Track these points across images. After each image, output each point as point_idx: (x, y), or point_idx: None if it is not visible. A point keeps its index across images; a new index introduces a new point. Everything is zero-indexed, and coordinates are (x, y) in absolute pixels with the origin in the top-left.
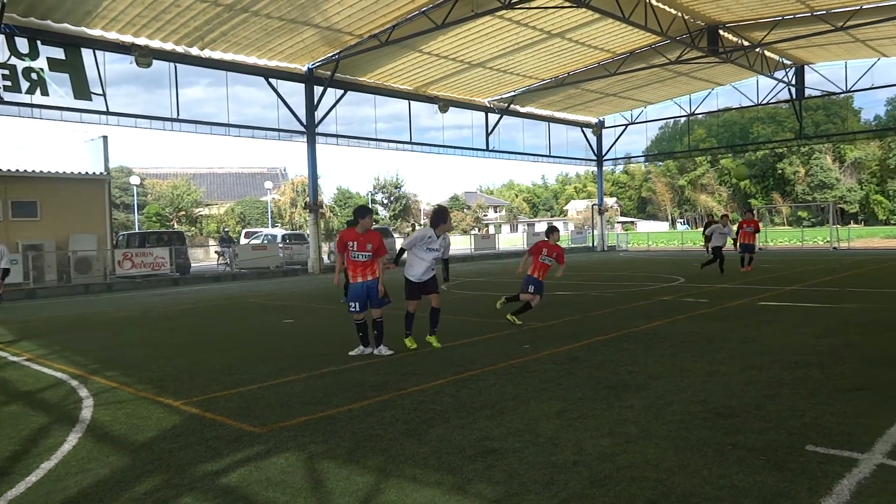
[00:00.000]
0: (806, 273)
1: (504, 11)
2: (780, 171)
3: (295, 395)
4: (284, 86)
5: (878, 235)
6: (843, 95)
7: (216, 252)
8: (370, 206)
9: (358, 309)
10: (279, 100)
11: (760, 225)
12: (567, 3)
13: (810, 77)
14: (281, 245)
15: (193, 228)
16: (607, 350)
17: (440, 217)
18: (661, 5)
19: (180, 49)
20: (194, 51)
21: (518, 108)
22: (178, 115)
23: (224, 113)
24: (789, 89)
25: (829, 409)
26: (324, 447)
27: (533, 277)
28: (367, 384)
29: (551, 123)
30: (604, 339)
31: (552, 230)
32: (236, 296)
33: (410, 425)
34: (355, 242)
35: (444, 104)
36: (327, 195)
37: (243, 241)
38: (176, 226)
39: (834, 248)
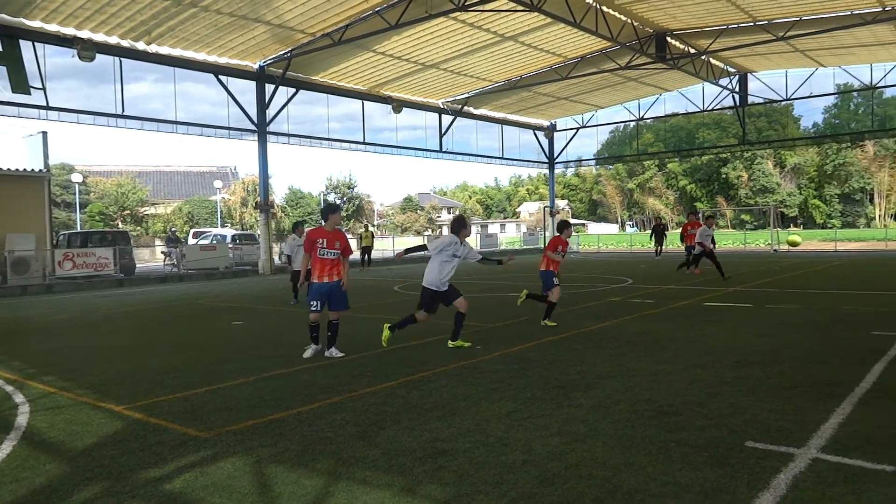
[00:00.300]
0: (748, 275)
1: (458, 13)
2: (724, 176)
3: (243, 399)
4: (235, 83)
5: (815, 238)
6: (783, 103)
7: (163, 252)
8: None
9: (318, 309)
10: (229, 97)
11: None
12: (519, 7)
13: (753, 85)
14: (230, 245)
15: (139, 228)
16: (557, 350)
17: (460, 224)
18: (611, 11)
19: (125, 43)
20: (140, 45)
21: (472, 109)
22: (123, 111)
23: (172, 109)
24: (733, 96)
25: (767, 406)
26: (272, 451)
27: (550, 272)
28: (318, 386)
29: (504, 125)
30: (554, 340)
31: (566, 225)
32: (183, 297)
33: (361, 427)
34: (325, 240)
35: (398, 105)
36: (279, 195)
37: (191, 241)
38: (120, 225)
39: (775, 250)
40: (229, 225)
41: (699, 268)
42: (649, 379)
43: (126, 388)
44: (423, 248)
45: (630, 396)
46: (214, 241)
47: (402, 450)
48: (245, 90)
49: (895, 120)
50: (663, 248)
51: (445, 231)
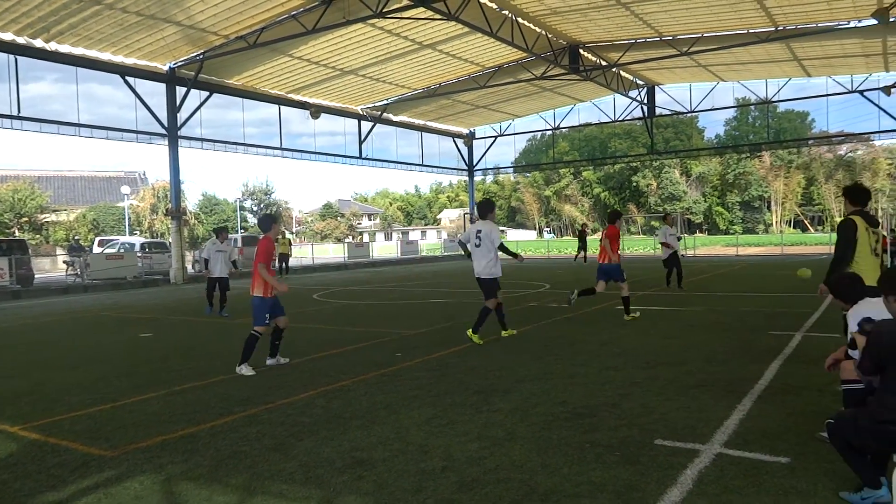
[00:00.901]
0: (657, 279)
1: (376, 20)
2: (635, 184)
3: (152, 414)
4: (144, 85)
5: (719, 244)
6: (688, 115)
7: (65, 262)
8: (240, 211)
9: (268, 322)
10: (137, 99)
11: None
12: (437, 16)
13: (660, 97)
14: (139, 254)
15: (38, 236)
16: (477, 356)
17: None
18: (526, 23)
19: (21, 40)
20: (38, 43)
21: (391, 116)
22: (19, 112)
23: (74, 111)
24: (642, 108)
25: (675, 405)
26: (183, 467)
27: (617, 265)
28: (233, 399)
29: (424, 133)
30: (474, 345)
31: (618, 215)
32: (88, 309)
33: (278, 440)
34: (275, 251)
35: (316, 110)
36: (192, 201)
37: (96, 249)
38: (17, 233)
39: (682, 255)
40: (138, 233)
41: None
42: (565, 381)
43: (22, 406)
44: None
45: (547, 399)
46: (122, 250)
47: (321, 461)
48: (155, 92)
49: (788, 132)
50: (586, 253)
51: (366, 238)
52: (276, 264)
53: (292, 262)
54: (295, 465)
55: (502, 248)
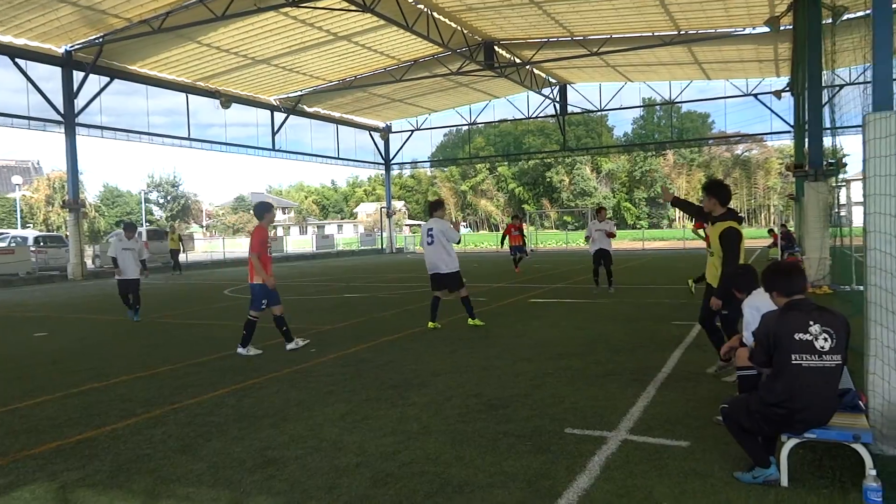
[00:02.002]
0: (569, 272)
1: (289, 9)
2: (548, 180)
3: (46, 418)
4: (37, 68)
5: (627, 238)
6: (598, 114)
7: None
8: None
9: (263, 307)
10: (29, 83)
11: (525, 227)
12: (352, 7)
13: (572, 95)
14: (33, 248)
15: None
16: (393, 350)
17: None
18: (442, 18)
19: None
20: None
21: (305, 108)
22: None
23: None
24: (554, 105)
25: (584, 394)
26: (80, 474)
27: None
28: (136, 400)
29: (340, 126)
30: (390, 340)
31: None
32: None
33: (184, 441)
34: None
35: (227, 100)
36: (92, 193)
37: None
38: None
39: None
40: (31, 226)
41: (518, 267)
42: (480, 374)
43: None
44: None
45: (462, 392)
46: (13, 244)
47: (230, 461)
48: (50, 76)
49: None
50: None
51: (280, 232)
52: (170, 259)
53: (201, 257)
54: (203, 467)
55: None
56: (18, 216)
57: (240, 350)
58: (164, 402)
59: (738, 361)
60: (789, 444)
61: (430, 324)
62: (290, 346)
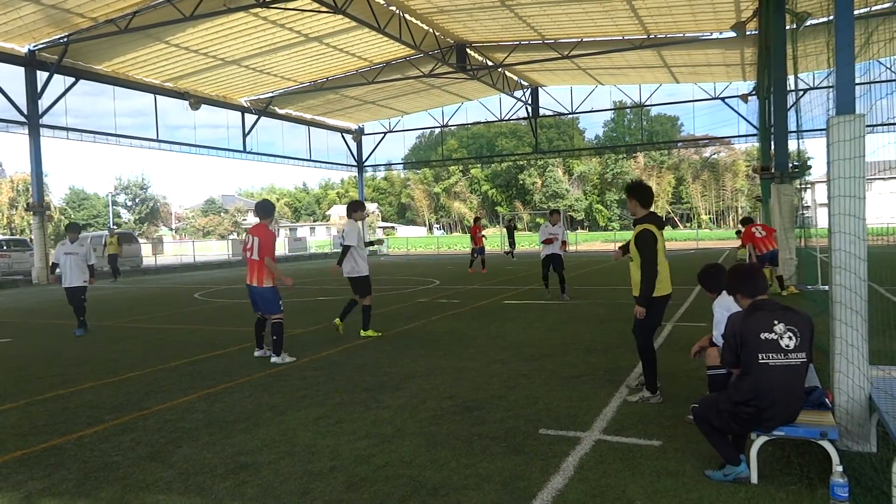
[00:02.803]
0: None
1: (259, 10)
2: (521, 182)
3: (9, 427)
4: None
5: (599, 239)
6: (569, 116)
7: None
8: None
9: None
10: None
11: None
12: (323, 8)
13: (543, 98)
14: None
15: None
16: (366, 353)
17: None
18: (413, 20)
19: None
20: None
21: (277, 109)
22: None
23: None
24: (526, 108)
25: (558, 395)
26: (45, 483)
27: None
28: (104, 406)
29: (312, 128)
30: (363, 343)
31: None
32: None
33: (154, 447)
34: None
35: (196, 101)
36: (57, 195)
37: None
38: None
39: (565, 251)
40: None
41: (485, 267)
42: (454, 376)
43: None
44: (348, 247)
45: (436, 394)
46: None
47: (202, 467)
48: (12, 76)
49: (660, 135)
50: (514, 247)
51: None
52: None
53: (169, 260)
54: (173, 474)
55: (367, 243)
56: None
57: (274, 359)
58: (133, 408)
59: (707, 361)
60: (758, 441)
61: (337, 321)
62: (275, 358)
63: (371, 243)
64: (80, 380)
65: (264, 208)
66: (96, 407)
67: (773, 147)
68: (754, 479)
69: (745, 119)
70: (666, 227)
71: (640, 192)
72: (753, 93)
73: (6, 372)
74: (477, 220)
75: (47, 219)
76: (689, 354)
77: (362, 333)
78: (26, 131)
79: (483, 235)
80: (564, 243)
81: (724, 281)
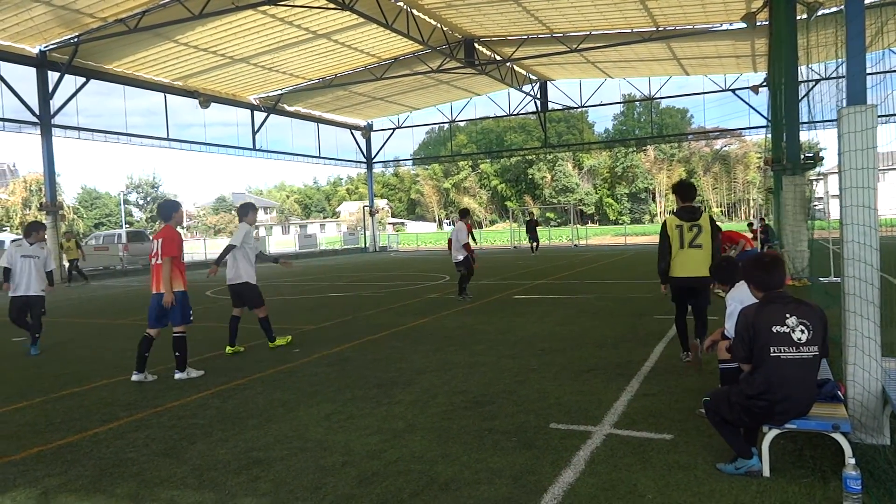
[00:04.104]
0: (552, 268)
1: (267, 7)
2: (530, 176)
3: (25, 424)
4: (11, 69)
5: (609, 234)
6: (579, 110)
7: None
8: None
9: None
10: (3, 84)
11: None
12: (331, 5)
13: (552, 92)
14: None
15: None
16: (377, 349)
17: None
18: (421, 15)
19: None
20: None
21: (286, 106)
22: None
23: None
24: (535, 102)
25: (569, 389)
26: (62, 479)
27: None
28: (118, 403)
29: (321, 124)
30: (374, 339)
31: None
32: None
33: (168, 444)
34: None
35: (206, 99)
36: (70, 195)
37: None
38: None
39: (575, 245)
40: (8, 229)
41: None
42: (465, 371)
43: None
44: (230, 247)
45: (447, 389)
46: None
47: (215, 463)
48: (24, 77)
49: (670, 128)
50: (538, 243)
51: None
52: (67, 270)
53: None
54: (187, 470)
55: (260, 255)
56: None
57: (178, 375)
58: (147, 405)
59: (719, 354)
60: (770, 434)
61: (229, 349)
62: (179, 374)
63: (276, 259)
64: (95, 377)
65: (162, 208)
66: (111, 404)
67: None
68: (766, 472)
69: (756, 110)
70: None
71: (675, 188)
72: (764, 84)
73: (23, 369)
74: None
75: (60, 218)
76: (702, 348)
77: (271, 346)
78: (38, 131)
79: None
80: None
81: (735, 274)
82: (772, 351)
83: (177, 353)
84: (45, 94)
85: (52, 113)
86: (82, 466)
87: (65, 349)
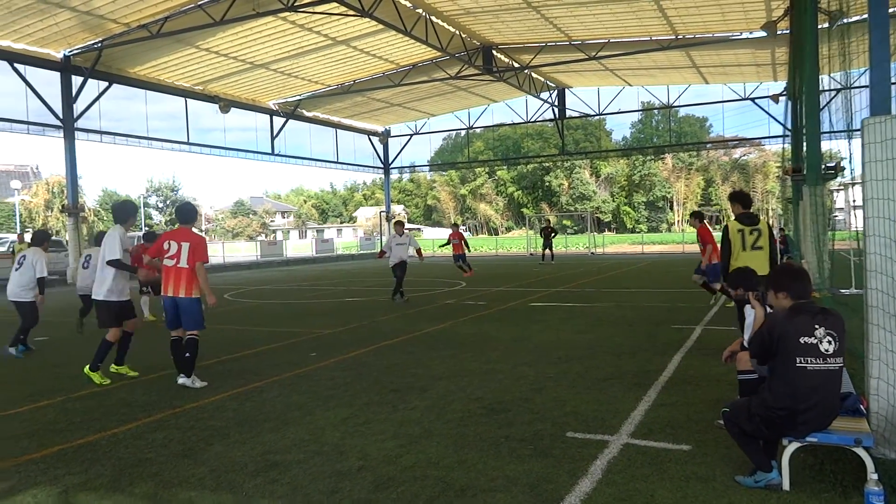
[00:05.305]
0: (569, 276)
1: (287, 14)
2: (547, 184)
3: (47, 423)
4: (36, 73)
5: (626, 242)
6: (596, 117)
7: None
8: (135, 205)
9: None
10: (28, 88)
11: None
12: (350, 12)
13: (570, 99)
14: None
15: None
16: (393, 354)
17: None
18: (440, 22)
19: None
20: None
21: (304, 112)
22: None
23: None
24: (553, 109)
25: (586, 398)
26: (82, 478)
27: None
28: (136, 404)
29: (339, 130)
30: (390, 344)
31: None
32: None
33: (186, 445)
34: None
35: (226, 104)
36: (91, 197)
37: None
38: None
39: (592, 253)
40: (30, 230)
41: (470, 270)
42: (480, 378)
43: None
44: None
45: (463, 396)
46: (11, 249)
47: (232, 465)
48: (49, 81)
49: (689, 136)
50: (552, 251)
51: (279, 236)
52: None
53: None
54: (205, 471)
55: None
56: (17, 221)
57: (182, 380)
58: (165, 406)
59: (738, 365)
60: (791, 447)
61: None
62: (184, 380)
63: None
64: (114, 378)
65: (188, 212)
66: (129, 405)
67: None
68: (786, 485)
69: (776, 119)
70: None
71: (737, 197)
72: (784, 93)
73: (44, 369)
74: (455, 225)
75: (81, 220)
76: (721, 359)
77: (114, 369)
78: (62, 134)
79: (460, 243)
80: (419, 251)
81: (750, 282)
82: (797, 361)
83: (187, 355)
84: (68, 98)
85: (75, 116)
86: (102, 466)
87: (85, 349)
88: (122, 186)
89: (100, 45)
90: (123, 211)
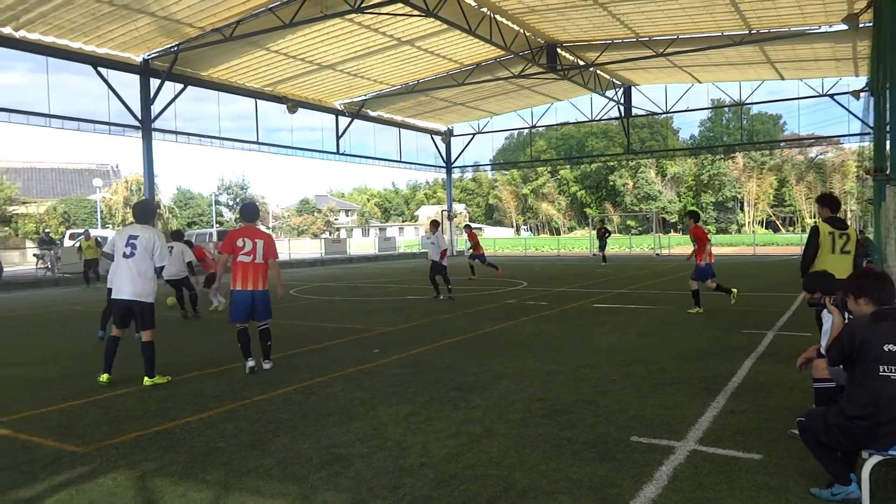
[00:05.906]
0: (633, 277)
1: (354, 15)
2: (611, 183)
3: (125, 410)
4: (117, 76)
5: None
6: (663, 116)
7: (34, 255)
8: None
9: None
10: (110, 91)
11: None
12: (415, 12)
13: (636, 97)
14: None
15: (7, 229)
16: (455, 353)
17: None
18: (505, 21)
19: None
20: (6, 31)
21: (369, 112)
22: None
23: (46, 102)
24: (618, 107)
25: (650, 402)
26: (158, 464)
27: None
28: (208, 395)
29: (402, 129)
30: (452, 342)
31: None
32: (58, 303)
33: (254, 436)
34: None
35: (293, 105)
36: (166, 195)
37: (67, 242)
38: None
39: (657, 254)
40: (111, 226)
41: (474, 273)
42: (542, 379)
43: None
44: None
45: (524, 396)
46: (79, 245)
47: (298, 457)
48: (129, 84)
49: (761, 134)
50: (604, 253)
51: (343, 234)
52: (83, 271)
53: None
54: (272, 462)
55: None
56: (98, 216)
57: (268, 365)
58: (235, 397)
59: (814, 373)
60: (872, 461)
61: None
62: (269, 364)
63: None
64: (186, 370)
65: (254, 210)
66: (201, 395)
67: (888, 146)
68: (866, 501)
69: (857, 117)
70: (767, 231)
71: (826, 200)
72: (866, 88)
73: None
74: (468, 226)
75: (157, 217)
76: (795, 366)
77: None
78: (140, 135)
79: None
80: (444, 252)
81: (827, 286)
82: (881, 370)
83: (269, 343)
84: (146, 100)
85: (152, 117)
86: (176, 453)
87: (161, 342)
88: (194, 184)
89: (176, 48)
90: (151, 211)
